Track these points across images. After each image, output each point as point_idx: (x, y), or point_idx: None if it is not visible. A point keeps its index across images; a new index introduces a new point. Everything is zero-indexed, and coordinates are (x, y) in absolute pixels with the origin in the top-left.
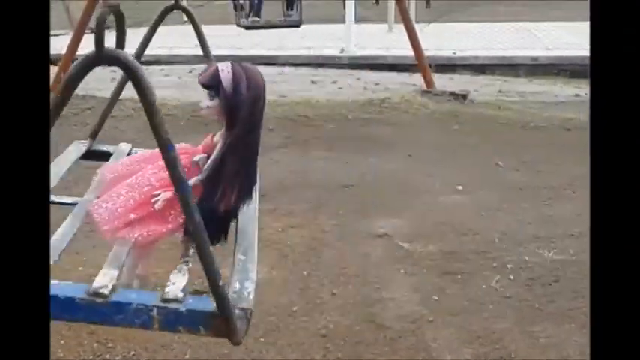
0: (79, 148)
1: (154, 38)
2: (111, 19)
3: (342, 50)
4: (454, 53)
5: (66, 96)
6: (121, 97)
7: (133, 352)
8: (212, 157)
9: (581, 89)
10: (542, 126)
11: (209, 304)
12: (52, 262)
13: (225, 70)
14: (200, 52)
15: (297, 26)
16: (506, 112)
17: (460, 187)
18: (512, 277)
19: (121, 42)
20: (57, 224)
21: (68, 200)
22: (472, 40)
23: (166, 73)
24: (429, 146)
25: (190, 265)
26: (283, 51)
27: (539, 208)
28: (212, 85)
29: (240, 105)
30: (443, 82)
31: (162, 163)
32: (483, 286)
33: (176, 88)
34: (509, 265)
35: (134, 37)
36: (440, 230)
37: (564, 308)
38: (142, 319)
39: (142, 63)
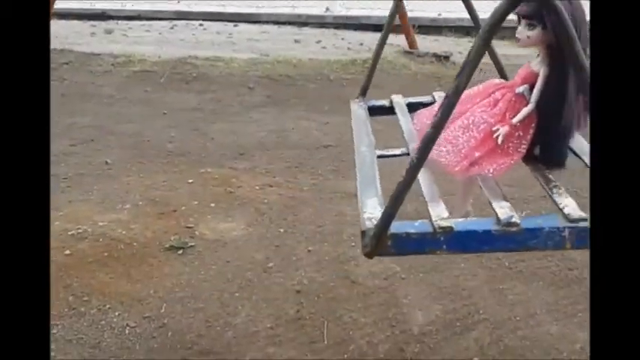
0: (360, 106)
1: None
2: None
3: (327, 9)
4: (439, 15)
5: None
6: (99, 52)
7: (108, 306)
8: (540, 83)
9: None
10: None
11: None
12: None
13: None
14: (182, 9)
15: None
16: (487, 74)
17: None
18: None
19: None
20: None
21: (397, 152)
22: (457, 1)
23: (147, 29)
24: None
25: (562, 188)
26: (266, 9)
27: (513, 170)
28: (535, 14)
29: (566, 31)
30: (427, 43)
31: (488, 100)
32: None
33: (157, 44)
34: None
35: None
36: (414, 190)
37: (533, 267)
38: (554, 241)
39: (123, 18)
